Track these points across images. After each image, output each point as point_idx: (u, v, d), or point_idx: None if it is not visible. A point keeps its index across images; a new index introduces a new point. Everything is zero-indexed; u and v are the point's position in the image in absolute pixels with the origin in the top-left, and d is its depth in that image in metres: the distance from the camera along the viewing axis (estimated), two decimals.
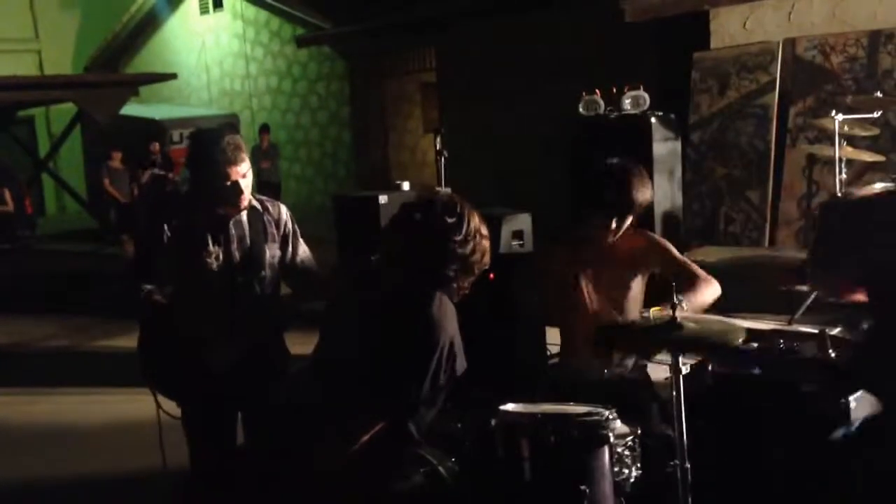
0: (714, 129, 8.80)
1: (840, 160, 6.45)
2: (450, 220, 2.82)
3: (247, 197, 3.29)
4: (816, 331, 3.35)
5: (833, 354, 3.16)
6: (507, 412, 2.90)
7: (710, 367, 3.35)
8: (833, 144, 6.45)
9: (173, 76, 16.66)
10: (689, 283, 3.55)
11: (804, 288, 6.51)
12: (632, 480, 2.88)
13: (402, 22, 13.24)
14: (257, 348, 3.37)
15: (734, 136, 8.64)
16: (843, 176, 6.57)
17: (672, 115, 6.85)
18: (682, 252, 3.84)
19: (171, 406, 3.42)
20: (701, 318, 3.28)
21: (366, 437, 2.80)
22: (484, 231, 2.90)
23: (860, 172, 7.41)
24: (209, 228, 3.29)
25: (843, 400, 3.09)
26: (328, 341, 3.09)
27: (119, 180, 14.81)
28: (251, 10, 16.48)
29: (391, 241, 2.94)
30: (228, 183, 3.20)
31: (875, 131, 6.96)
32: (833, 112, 6.51)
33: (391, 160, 14.85)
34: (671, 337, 2.88)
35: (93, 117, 15.14)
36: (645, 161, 6.48)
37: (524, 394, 3.20)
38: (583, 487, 2.71)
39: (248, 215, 3.35)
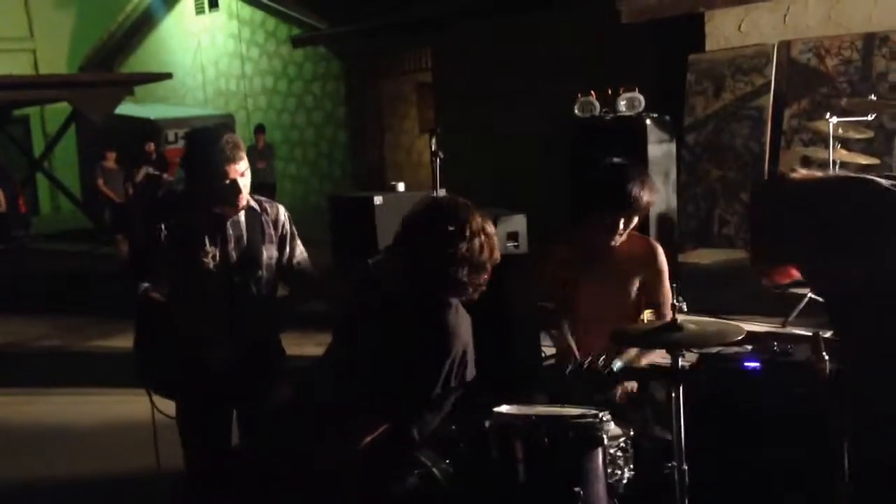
0: (709, 130, 8.81)
1: (834, 163, 6.46)
2: (451, 227, 2.84)
3: (245, 196, 3.28)
4: (810, 333, 3.35)
5: (826, 357, 3.17)
6: (500, 414, 2.91)
7: (705, 369, 3.36)
8: (827, 147, 6.46)
9: (168, 76, 16.64)
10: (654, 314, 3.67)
11: (798, 291, 6.53)
12: (624, 482, 2.89)
13: (398, 22, 13.24)
14: (254, 348, 3.36)
15: (729, 138, 8.65)
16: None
17: (667, 117, 6.86)
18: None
19: (166, 406, 3.41)
20: (699, 320, 3.29)
21: (369, 439, 2.81)
22: (489, 228, 2.94)
23: None
24: (206, 228, 3.28)
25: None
26: (339, 343, 3.10)
27: (113, 180, 14.80)
28: (247, 10, 16.47)
29: (399, 246, 2.97)
30: (227, 181, 3.19)
31: (869, 134, 6.97)
32: (827, 114, 6.52)
33: (387, 161, 14.85)
34: (671, 338, 2.90)
35: (88, 117, 15.12)
36: (640, 163, 6.50)
37: (518, 395, 3.20)
38: (577, 489, 2.72)
39: (246, 215, 3.34)
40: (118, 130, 15.38)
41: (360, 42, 14.17)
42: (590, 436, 2.78)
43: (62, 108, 16.88)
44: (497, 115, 11.60)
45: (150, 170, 14.24)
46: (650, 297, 3.73)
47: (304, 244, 3.56)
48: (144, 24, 18.95)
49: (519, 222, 5.65)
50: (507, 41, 11.63)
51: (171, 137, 16.16)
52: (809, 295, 6.21)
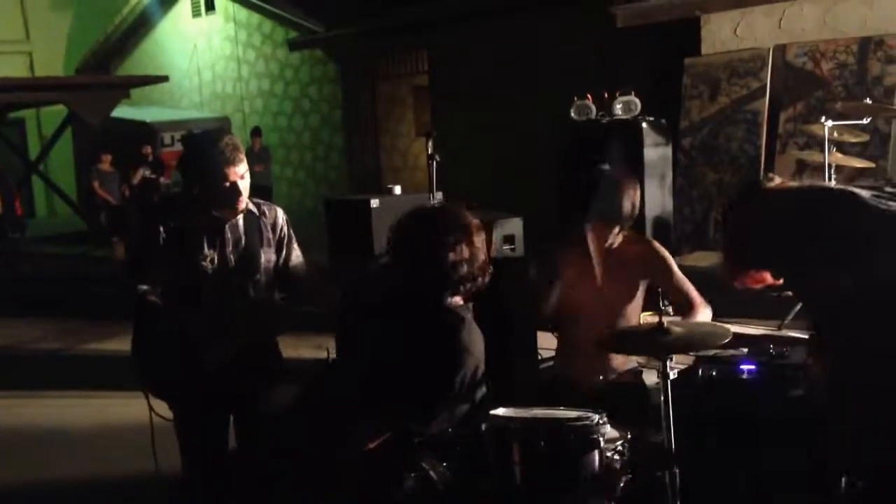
0: (705, 134, 8.83)
1: (830, 166, 6.47)
2: (450, 235, 2.87)
3: (245, 199, 3.27)
4: (806, 336, 3.37)
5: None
6: (497, 416, 2.91)
7: (700, 372, 3.36)
8: (823, 150, 6.47)
9: (165, 79, 16.65)
10: (685, 304, 3.67)
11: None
12: (621, 485, 2.89)
13: (394, 25, 13.26)
14: (251, 351, 3.36)
15: (725, 141, 8.67)
16: (833, 182, 6.60)
17: (663, 121, 6.88)
18: (673, 257, 3.87)
19: (163, 409, 3.41)
20: (687, 323, 3.30)
21: (372, 445, 2.82)
22: (476, 222, 2.99)
23: (850, 178, 7.44)
24: (205, 231, 3.27)
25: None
26: (344, 348, 3.12)
27: (109, 183, 14.79)
28: (243, 13, 16.47)
29: (394, 252, 2.99)
30: (227, 184, 3.19)
31: (864, 137, 6.99)
32: (823, 118, 6.53)
33: (383, 163, 14.85)
34: (659, 341, 2.90)
35: (84, 119, 15.11)
36: (636, 166, 6.52)
37: (515, 398, 3.21)
38: (573, 492, 2.72)
39: (245, 219, 3.33)
40: (114, 133, 15.38)
41: (357, 45, 14.18)
42: (586, 439, 2.78)
43: (58, 110, 16.87)
44: (493, 119, 11.62)
45: (147, 172, 14.24)
46: (674, 296, 3.71)
47: (301, 247, 3.56)
48: (141, 26, 18.95)
49: (515, 225, 5.65)
50: (503, 45, 11.65)
51: (167, 140, 16.16)
52: None
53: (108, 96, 15.32)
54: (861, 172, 7.26)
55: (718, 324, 3.18)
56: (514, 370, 4.87)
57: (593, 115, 6.72)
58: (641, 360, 3.69)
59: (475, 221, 3.00)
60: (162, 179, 14.13)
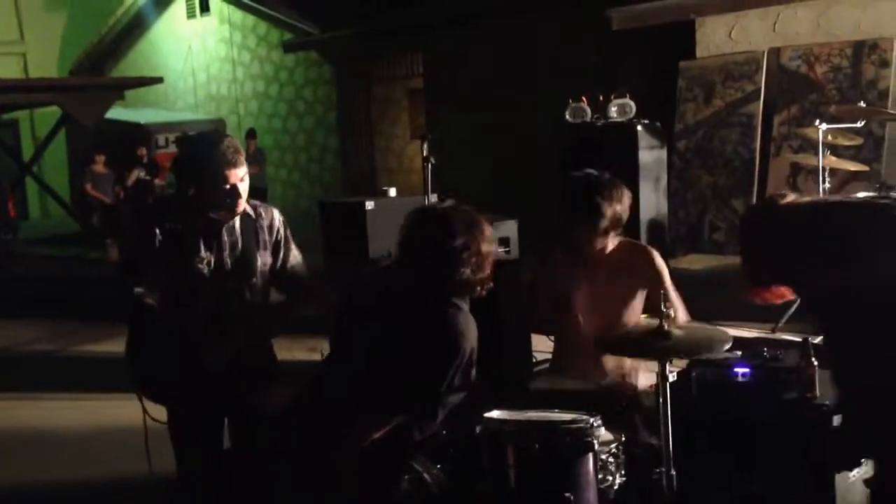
0: (699, 137, 8.85)
1: (824, 169, 6.49)
2: (459, 239, 2.89)
3: (243, 201, 3.27)
4: (800, 339, 3.37)
5: (816, 363, 3.19)
6: (491, 419, 2.92)
7: (694, 375, 3.37)
8: (817, 153, 6.49)
9: (159, 80, 16.61)
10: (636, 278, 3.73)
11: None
12: (616, 487, 2.90)
13: (389, 28, 13.26)
14: (246, 354, 3.36)
15: (719, 144, 8.69)
16: (827, 185, 6.62)
17: (658, 123, 6.88)
18: (667, 260, 3.88)
19: (157, 411, 3.40)
20: (687, 326, 3.31)
21: (373, 437, 2.84)
22: (484, 224, 3.01)
23: (843, 181, 7.47)
24: (201, 234, 3.27)
25: (825, 407, 3.13)
26: (340, 347, 3.12)
27: (102, 184, 14.77)
28: (238, 15, 16.46)
29: (402, 252, 3.00)
30: (227, 186, 3.18)
31: (858, 141, 7.01)
32: (817, 121, 6.55)
33: (378, 166, 14.85)
34: (658, 345, 2.91)
35: (78, 121, 15.07)
36: (631, 169, 6.52)
37: (509, 401, 3.21)
38: (567, 495, 2.72)
39: (241, 221, 3.32)
40: (108, 135, 15.35)
41: (352, 47, 14.19)
42: (581, 441, 2.79)
43: (52, 111, 16.83)
44: (488, 121, 11.62)
45: (142, 174, 14.21)
46: (655, 302, 3.73)
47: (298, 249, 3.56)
48: (135, 28, 18.92)
49: (510, 228, 5.65)
50: (498, 47, 11.66)
51: (161, 142, 16.14)
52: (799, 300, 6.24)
53: (103, 98, 15.27)
54: (855, 175, 7.29)
55: (719, 328, 3.19)
56: (508, 372, 4.87)
57: (588, 117, 6.72)
58: (634, 363, 3.70)
59: (487, 227, 3.02)
60: (156, 181, 14.11)
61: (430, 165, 5.87)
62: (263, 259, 3.37)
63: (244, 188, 3.23)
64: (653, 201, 6.70)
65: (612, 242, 3.74)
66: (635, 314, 3.74)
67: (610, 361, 3.71)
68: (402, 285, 2.98)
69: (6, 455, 5.50)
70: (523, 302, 3.81)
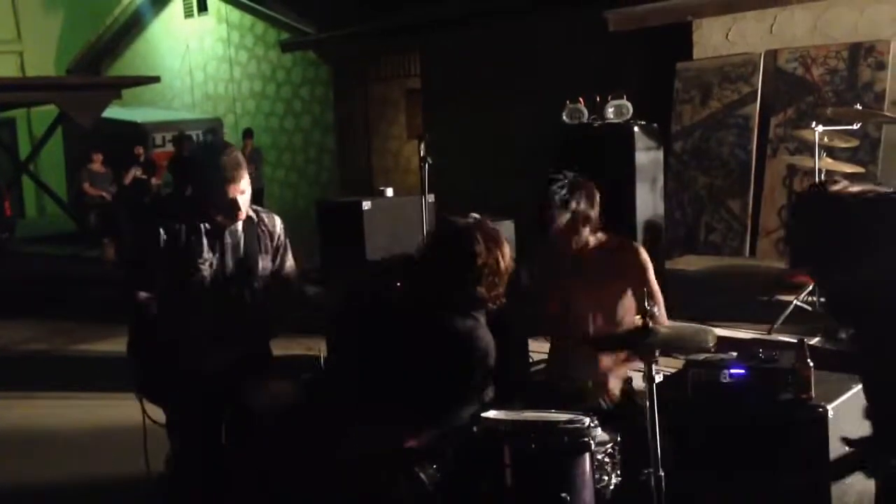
0: (696, 138, 8.86)
1: (820, 171, 6.50)
2: (469, 250, 2.95)
3: (244, 212, 3.30)
4: (796, 340, 3.38)
5: (811, 364, 3.20)
6: (488, 419, 2.92)
7: (690, 376, 3.38)
8: (813, 155, 6.50)
9: (156, 79, 16.59)
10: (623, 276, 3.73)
11: (784, 298, 6.57)
12: (611, 487, 2.90)
13: (387, 28, 13.26)
14: (245, 356, 3.36)
15: (716, 145, 8.70)
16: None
17: (655, 125, 6.88)
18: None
19: (154, 412, 3.41)
20: (673, 324, 3.33)
21: (411, 445, 2.86)
22: (501, 240, 3.09)
23: None
24: (205, 235, 3.29)
25: (820, 408, 3.13)
26: (341, 350, 3.15)
27: (100, 183, 14.75)
28: (235, 14, 16.45)
29: (421, 269, 3.03)
30: (228, 199, 3.22)
31: (854, 143, 7.03)
32: (813, 123, 6.56)
33: (375, 166, 14.85)
34: (643, 342, 2.92)
35: (75, 120, 15.06)
36: (627, 170, 6.53)
37: (506, 400, 3.22)
38: (564, 495, 2.73)
39: (244, 225, 3.36)
40: (105, 134, 15.33)
41: (349, 47, 14.18)
42: (578, 442, 2.79)
43: (49, 110, 16.81)
44: (485, 122, 11.63)
45: (138, 173, 14.20)
46: (639, 298, 3.75)
47: (292, 249, 3.58)
48: (133, 27, 18.90)
49: (507, 228, 5.66)
50: (495, 48, 11.66)
51: (158, 141, 16.13)
52: (795, 302, 6.26)
53: (100, 97, 15.25)
54: (851, 177, 7.30)
55: (704, 326, 3.20)
56: (505, 373, 4.88)
57: (585, 118, 6.72)
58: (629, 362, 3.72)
59: (507, 245, 3.09)
60: (153, 180, 14.09)
61: (426, 165, 5.88)
62: (264, 263, 3.41)
63: (244, 200, 3.27)
64: (649, 202, 6.70)
65: (594, 239, 3.77)
66: (629, 312, 3.74)
67: (606, 360, 3.72)
68: (415, 295, 3.00)
69: (2, 454, 5.49)
70: (523, 305, 3.84)
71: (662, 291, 3.77)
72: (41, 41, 22.09)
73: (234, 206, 3.23)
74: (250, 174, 3.35)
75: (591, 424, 2.83)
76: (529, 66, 11.16)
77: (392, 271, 3.19)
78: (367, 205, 6.42)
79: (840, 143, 6.83)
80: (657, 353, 2.93)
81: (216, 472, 3.34)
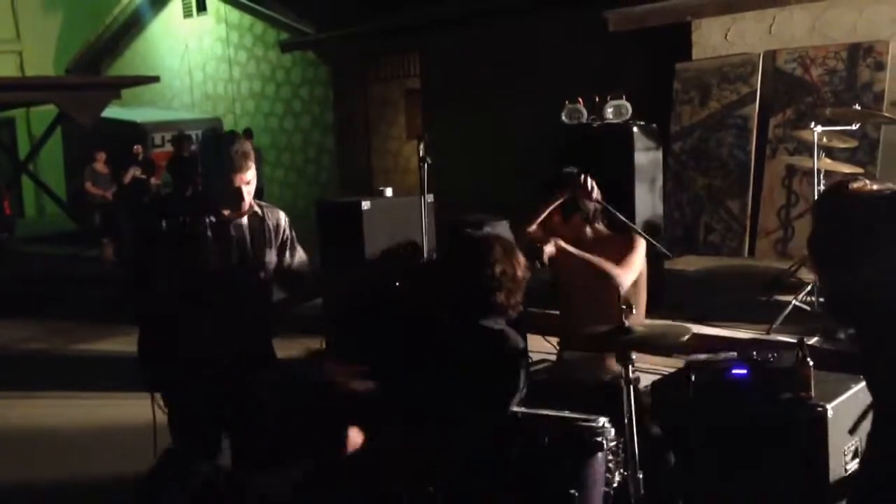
0: (695, 139, 8.87)
1: (819, 171, 6.51)
2: (497, 266, 3.02)
3: (248, 202, 3.32)
4: (795, 340, 3.39)
5: (811, 363, 3.21)
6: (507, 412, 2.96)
7: (690, 376, 3.39)
8: (812, 156, 6.51)
9: (156, 79, 16.60)
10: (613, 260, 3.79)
11: (783, 298, 6.58)
12: (615, 485, 2.91)
13: (386, 28, 13.26)
14: (249, 352, 3.37)
15: (715, 146, 8.71)
16: (822, 187, 6.64)
17: (654, 125, 6.89)
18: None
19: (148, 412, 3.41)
20: (649, 322, 3.36)
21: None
22: (516, 252, 3.14)
23: None
24: (210, 230, 3.30)
25: (820, 408, 3.14)
26: (343, 349, 3.18)
27: (102, 182, 14.76)
28: (235, 14, 16.45)
29: (442, 275, 3.14)
30: (232, 188, 3.23)
31: (853, 143, 7.03)
32: (812, 124, 6.56)
33: (374, 166, 14.85)
34: (619, 341, 2.95)
35: (75, 120, 15.06)
36: (627, 170, 6.54)
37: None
38: (572, 492, 2.74)
39: (249, 220, 3.37)
40: (105, 133, 15.33)
41: (348, 47, 14.18)
42: (592, 441, 2.81)
43: (48, 110, 16.82)
44: (484, 122, 11.63)
45: (137, 172, 14.20)
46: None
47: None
48: (132, 27, 18.90)
49: (504, 228, 5.67)
50: (494, 48, 11.67)
51: (157, 140, 16.13)
52: (794, 302, 6.26)
53: (99, 96, 15.26)
54: (850, 178, 7.29)
55: (677, 323, 3.24)
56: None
57: (584, 119, 6.73)
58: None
59: (522, 255, 3.14)
60: (152, 180, 14.09)
61: (426, 166, 5.89)
62: (269, 257, 3.42)
63: (249, 190, 3.29)
64: (648, 203, 6.72)
65: (592, 231, 3.96)
66: (638, 302, 3.75)
67: (613, 359, 3.73)
68: (417, 295, 3.04)
69: (1, 453, 5.49)
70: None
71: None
72: (40, 41, 22.08)
73: (239, 196, 3.25)
74: None
75: (606, 425, 2.86)
76: (529, 66, 11.17)
77: (395, 264, 3.21)
78: (366, 205, 6.43)
79: (839, 144, 6.83)
80: (633, 355, 2.98)
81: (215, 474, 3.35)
